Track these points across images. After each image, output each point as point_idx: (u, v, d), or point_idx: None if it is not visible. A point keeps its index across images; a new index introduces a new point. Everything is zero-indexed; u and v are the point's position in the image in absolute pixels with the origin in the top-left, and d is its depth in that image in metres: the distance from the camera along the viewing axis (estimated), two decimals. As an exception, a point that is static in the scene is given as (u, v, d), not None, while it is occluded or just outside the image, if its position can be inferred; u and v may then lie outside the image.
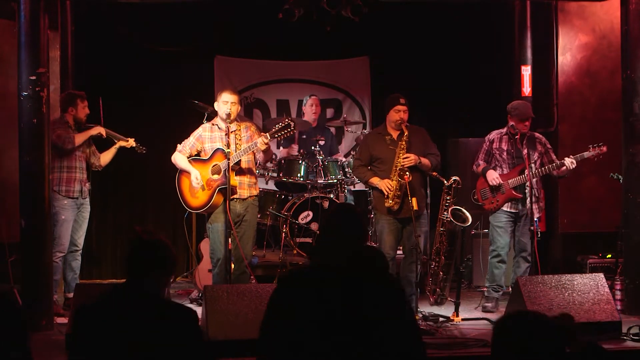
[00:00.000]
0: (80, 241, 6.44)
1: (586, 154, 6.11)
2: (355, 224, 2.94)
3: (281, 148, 8.01)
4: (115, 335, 2.73)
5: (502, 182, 6.21)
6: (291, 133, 5.80)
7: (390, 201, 5.90)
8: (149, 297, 2.84)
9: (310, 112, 7.95)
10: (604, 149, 6.08)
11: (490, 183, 6.23)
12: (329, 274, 2.77)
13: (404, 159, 5.91)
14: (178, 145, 5.96)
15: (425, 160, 6.01)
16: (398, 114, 6.01)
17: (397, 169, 5.92)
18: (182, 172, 5.94)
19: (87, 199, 6.46)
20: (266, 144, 5.61)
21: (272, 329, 2.75)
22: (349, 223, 2.93)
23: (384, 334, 2.66)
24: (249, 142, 5.74)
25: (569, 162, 6.08)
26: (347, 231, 2.90)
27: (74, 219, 6.34)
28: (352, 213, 3.02)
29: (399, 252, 6.19)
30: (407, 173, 5.85)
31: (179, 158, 5.92)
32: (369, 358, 2.64)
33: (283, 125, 5.68)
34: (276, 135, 5.73)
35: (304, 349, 2.65)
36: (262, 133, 5.92)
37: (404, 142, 5.97)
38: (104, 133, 6.43)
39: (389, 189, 5.93)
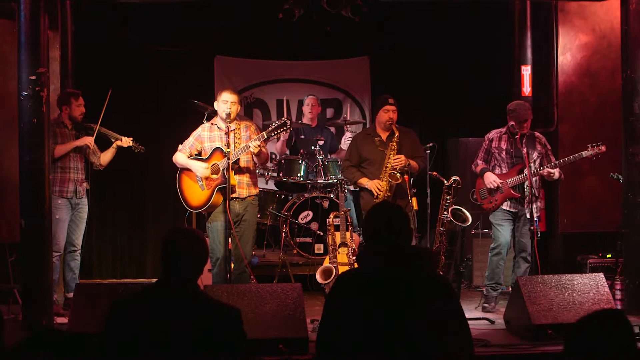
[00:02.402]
0: (79, 241, 6.43)
1: (584, 154, 6.10)
2: (398, 222, 2.91)
3: (286, 151, 7.97)
4: (155, 330, 2.69)
5: (500, 183, 6.21)
6: (288, 131, 5.80)
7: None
8: (194, 293, 2.82)
9: (307, 111, 7.97)
10: (603, 148, 6.07)
11: (488, 186, 6.24)
12: (381, 278, 2.78)
13: (394, 160, 5.93)
14: (179, 145, 5.97)
15: (413, 163, 6.06)
16: (387, 114, 6.06)
17: (388, 169, 5.93)
18: (183, 171, 5.95)
19: (84, 199, 6.44)
20: (258, 147, 5.59)
21: (328, 329, 2.80)
22: (391, 222, 2.90)
23: (434, 336, 2.67)
24: (248, 142, 5.74)
25: (546, 172, 6.08)
26: (390, 231, 2.87)
27: (70, 219, 6.33)
28: (393, 212, 2.98)
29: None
30: (401, 173, 5.88)
31: (179, 157, 5.92)
32: (422, 358, 2.65)
33: (279, 123, 5.69)
34: (272, 134, 5.72)
35: (359, 350, 2.68)
36: (261, 133, 5.92)
37: (394, 143, 5.99)
38: (91, 144, 6.33)
39: (379, 189, 5.95)
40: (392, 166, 5.93)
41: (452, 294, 2.88)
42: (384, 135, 6.13)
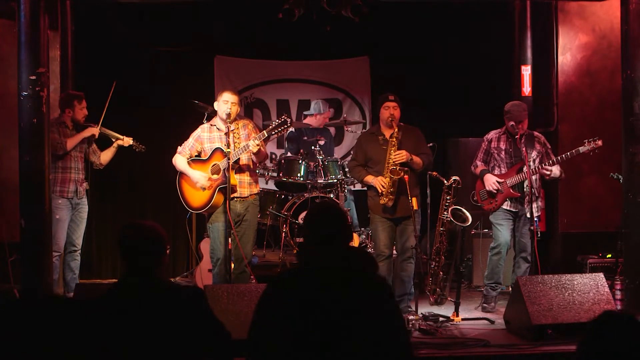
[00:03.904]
0: (79, 241, 6.44)
1: (582, 149, 6.12)
2: (334, 222, 2.90)
3: (289, 153, 7.96)
4: (128, 327, 2.71)
5: (499, 186, 6.20)
6: (287, 130, 5.80)
7: (385, 198, 5.94)
8: (162, 283, 2.86)
9: (323, 119, 7.95)
10: (599, 142, 6.08)
11: (488, 189, 6.24)
12: (316, 277, 2.77)
13: (395, 155, 5.94)
14: (178, 147, 5.97)
15: (416, 158, 6.05)
16: (388, 110, 6.07)
17: (390, 165, 5.94)
18: (183, 173, 5.94)
19: (85, 199, 6.45)
20: (258, 145, 5.59)
21: (260, 331, 2.76)
22: (327, 222, 2.89)
23: (369, 337, 2.66)
24: (247, 140, 5.73)
25: (542, 172, 6.10)
26: (327, 231, 2.86)
27: (70, 219, 6.34)
28: (330, 211, 2.97)
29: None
30: (403, 171, 5.87)
31: (179, 160, 5.92)
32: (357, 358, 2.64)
33: (280, 122, 5.68)
34: (273, 133, 5.72)
35: (290, 352, 2.66)
36: (261, 132, 5.92)
37: (394, 140, 6.00)
38: (96, 133, 6.41)
39: (383, 186, 5.96)
40: (393, 162, 5.93)
41: (390, 294, 2.87)
42: (387, 134, 6.12)
